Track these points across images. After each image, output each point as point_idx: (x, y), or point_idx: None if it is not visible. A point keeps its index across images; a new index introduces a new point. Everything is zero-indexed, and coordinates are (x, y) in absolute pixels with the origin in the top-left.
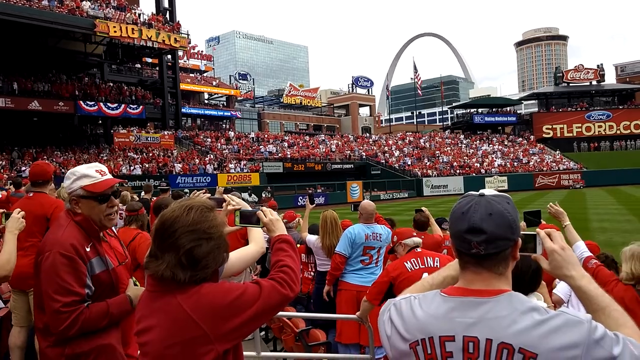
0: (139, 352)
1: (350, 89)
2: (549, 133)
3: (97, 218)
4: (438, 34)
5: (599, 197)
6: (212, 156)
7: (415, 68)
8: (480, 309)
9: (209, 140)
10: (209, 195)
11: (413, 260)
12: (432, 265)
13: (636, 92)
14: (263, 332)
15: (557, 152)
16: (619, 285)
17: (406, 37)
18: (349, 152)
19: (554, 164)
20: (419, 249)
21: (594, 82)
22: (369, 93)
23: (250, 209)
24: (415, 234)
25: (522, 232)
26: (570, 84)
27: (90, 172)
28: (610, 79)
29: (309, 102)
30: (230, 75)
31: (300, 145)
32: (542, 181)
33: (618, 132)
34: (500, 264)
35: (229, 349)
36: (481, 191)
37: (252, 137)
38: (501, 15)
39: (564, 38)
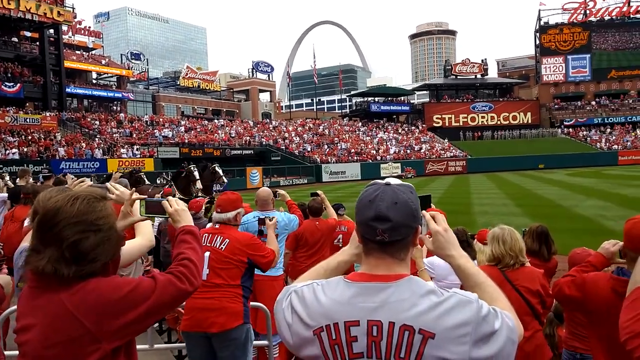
0: (18, 351)
1: (251, 73)
2: (438, 122)
3: None
4: (338, 23)
5: (481, 182)
6: (100, 140)
7: (314, 55)
8: (383, 293)
9: (98, 122)
10: (90, 183)
11: (206, 236)
12: (216, 247)
13: (515, 86)
14: (157, 324)
15: (446, 140)
16: (483, 267)
17: (307, 24)
18: (248, 137)
19: (443, 152)
20: (217, 225)
21: (479, 76)
22: (269, 78)
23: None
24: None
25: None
26: (458, 77)
27: None
28: (493, 73)
29: (207, 85)
30: (122, 54)
31: (198, 130)
32: (432, 167)
33: (499, 122)
34: (402, 250)
35: (120, 346)
36: (387, 180)
37: (146, 121)
38: (398, 8)
39: (453, 33)
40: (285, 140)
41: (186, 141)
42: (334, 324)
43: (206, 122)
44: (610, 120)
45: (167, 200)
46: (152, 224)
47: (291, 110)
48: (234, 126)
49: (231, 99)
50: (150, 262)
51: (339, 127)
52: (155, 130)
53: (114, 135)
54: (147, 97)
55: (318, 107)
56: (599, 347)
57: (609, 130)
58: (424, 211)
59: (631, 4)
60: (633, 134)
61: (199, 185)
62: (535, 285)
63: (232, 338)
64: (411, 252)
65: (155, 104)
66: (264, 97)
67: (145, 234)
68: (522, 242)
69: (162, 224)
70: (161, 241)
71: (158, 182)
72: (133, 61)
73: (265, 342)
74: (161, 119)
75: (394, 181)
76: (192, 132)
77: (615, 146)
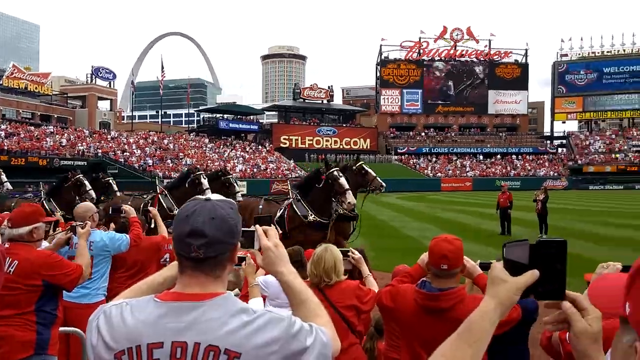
0: None
1: (90, 79)
2: (285, 143)
3: None
4: (189, 35)
5: None
6: None
7: (162, 66)
8: (193, 312)
9: None
10: None
11: None
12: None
13: (357, 114)
14: None
15: (292, 161)
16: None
17: (156, 33)
18: (82, 147)
19: (288, 172)
20: (7, 244)
21: (325, 101)
22: (110, 86)
23: None
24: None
25: (242, 229)
26: (306, 100)
27: None
28: (338, 100)
29: (37, 87)
30: None
31: (22, 136)
32: (277, 187)
33: (341, 147)
34: (218, 267)
35: None
36: (207, 195)
37: None
38: (251, 27)
39: (304, 58)
40: (125, 153)
41: (6, 148)
42: (136, 347)
43: (32, 127)
44: (436, 150)
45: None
46: None
47: (133, 121)
48: (66, 134)
49: (64, 105)
50: None
51: (184, 142)
52: None
53: None
54: None
55: (163, 120)
56: (406, 357)
57: (434, 159)
58: (256, 226)
59: (457, 47)
60: (454, 163)
61: (89, 195)
62: (350, 300)
63: None
64: (229, 270)
65: None
66: (104, 105)
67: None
68: (340, 260)
69: None
70: None
71: (28, 195)
72: None
73: None
74: None
75: (215, 197)
76: (15, 138)
77: (439, 174)
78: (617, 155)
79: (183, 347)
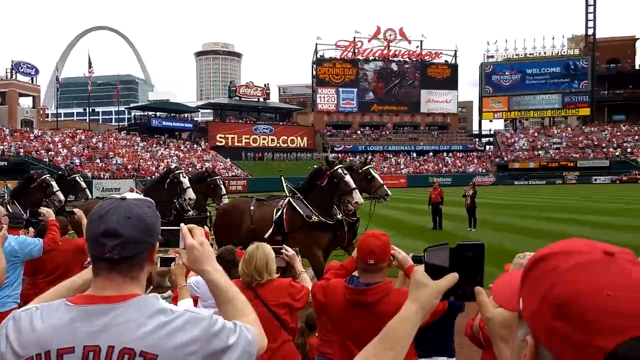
0: None
1: (9, 74)
2: (221, 142)
3: None
4: (118, 30)
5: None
6: None
7: (90, 62)
8: (108, 315)
9: None
10: None
11: None
12: None
13: (294, 112)
14: None
15: (228, 160)
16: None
17: (82, 26)
18: (3, 147)
19: (225, 171)
20: None
21: (262, 99)
22: (33, 82)
23: None
24: None
25: (167, 228)
26: (242, 98)
27: None
28: (275, 98)
29: None
30: None
31: None
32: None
33: (278, 145)
34: (135, 267)
35: None
36: (124, 194)
37: None
38: (185, 23)
39: (239, 55)
40: (50, 152)
41: None
42: (45, 353)
43: None
44: (372, 148)
45: None
46: None
47: (59, 119)
48: None
49: None
50: None
51: (114, 140)
52: None
53: None
54: None
55: (92, 117)
56: (337, 352)
57: (370, 157)
58: (181, 224)
59: (390, 47)
60: (389, 161)
61: (56, 197)
62: (283, 298)
63: None
64: (148, 270)
65: None
66: (26, 102)
67: None
68: (272, 259)
69: None
70: None
71: None
72: None
73: None
74: None
75: (131, 195)
76: None
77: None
78: (540, 152)
79: (96, 351)
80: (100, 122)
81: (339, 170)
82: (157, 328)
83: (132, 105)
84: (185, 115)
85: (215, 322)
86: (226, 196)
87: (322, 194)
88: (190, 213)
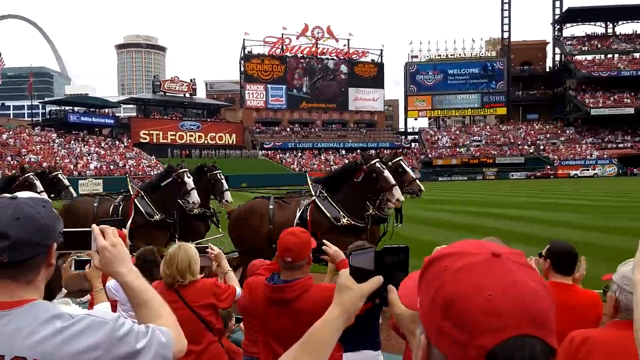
0: None
1: None
2: (145, 138)
3: None
4: (29, 19)
5: None
6: None
7: None
8: None
9: None
10: None
11: None
12: None
13: (222, 108)
14: None
15: (153, 157)
16: (156, 284)
17: None
18: None
19: (149, 169)
20: None
21: (188, 95)
22: None
23: None
24: None
25: (77, 230)
26: (167, 94)
27: None
28: (202, 94)
29: None
30: None
31: None
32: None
33: (206, 142)
34: (29, 271)
35: None
36: (15, 194)
37: None
38: (105, 14)
39: (163, 49)
40: None
41: None
42: None
43: None
44: (301, 145)
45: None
46: None
47: None
48: None
49: None
50: None
51: (27, 136)
52: None
53: None
54: None
55: (1, 112)
56: (262, 351)
57: (300, 154)
58: (93, 225)
59: (318, 45)
60: (318, 158)
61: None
62: (208, 299)
63: None
64: (46, 274)
65: None
66: None
67: None
68: (195, 259)
69: None
70: None
71: None
72: None
73: None
74: None
75: (24, 195)
76: None
77: (305, 168)
78: (461, 150)
79: None
80: (11, 117)
81: (377, 165)
82: (51, 335)
83: (47, 99)
84: (106, 110)
85: (121, 325)
86: (228, 191)
87: (354, 191)
88: (195, 211)
